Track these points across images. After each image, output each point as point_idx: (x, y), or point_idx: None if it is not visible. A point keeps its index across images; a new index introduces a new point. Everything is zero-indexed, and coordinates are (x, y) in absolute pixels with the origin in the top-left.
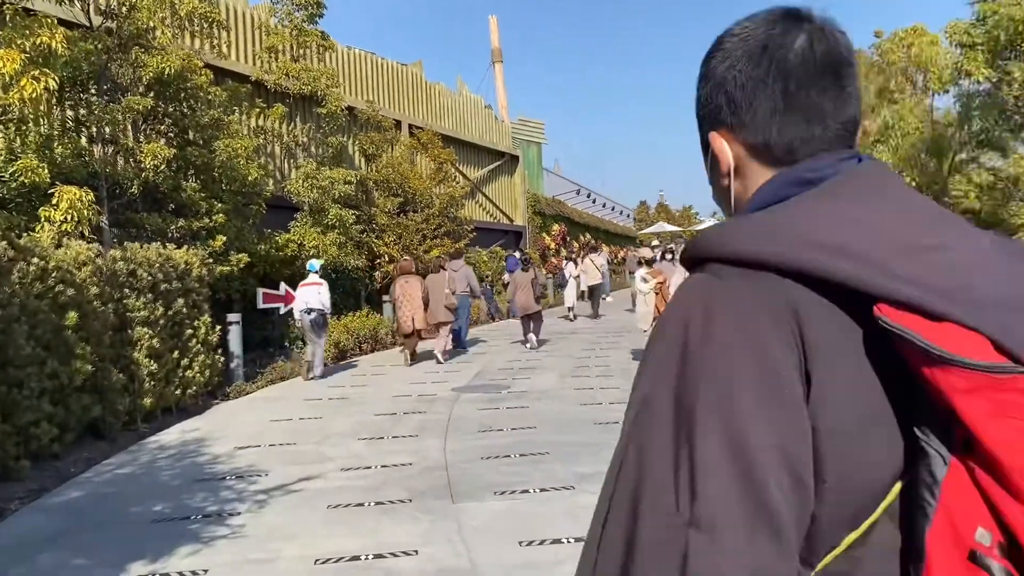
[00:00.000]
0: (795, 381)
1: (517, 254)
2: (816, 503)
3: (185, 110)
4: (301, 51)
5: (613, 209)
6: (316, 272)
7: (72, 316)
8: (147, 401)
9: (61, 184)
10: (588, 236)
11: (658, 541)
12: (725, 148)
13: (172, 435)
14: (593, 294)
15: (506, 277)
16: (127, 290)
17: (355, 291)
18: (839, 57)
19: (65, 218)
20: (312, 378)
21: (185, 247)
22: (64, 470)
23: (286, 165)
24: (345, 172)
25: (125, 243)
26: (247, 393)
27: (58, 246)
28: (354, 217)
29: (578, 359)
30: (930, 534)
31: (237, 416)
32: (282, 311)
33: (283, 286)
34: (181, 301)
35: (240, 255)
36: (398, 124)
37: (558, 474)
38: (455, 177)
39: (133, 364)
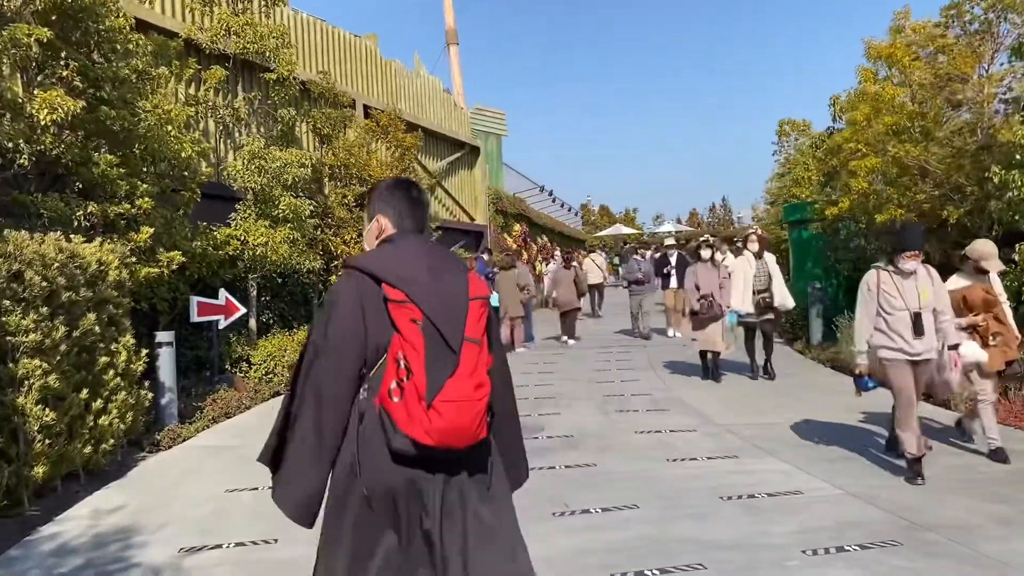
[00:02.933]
0: (360, 308)
1: (485, 256)
2: (367, 349)
3: (97, 58)
4: (243, 5)
5: (570, 210)
6: None
7: None
8: (39, 470)
9: None
10: (546, 238)
11: (313, 353)
12: (377, 224)
13: (79, 522)
14: (594, 293)
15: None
16: (7, 302)
17: (306, 298)
18: (416, 200)
19: None
20: None
21: (98, 240)
22: None
23: (222, 146)
24: (300, 153)
25: (6, 231)
26: (184, 439)
27: None
28: (310, 209)
29: (603, 383)
30: (388, 360)
31: (176, 481)
32: (222, 324)
33: (223, 294)
34: (92, 317)
35: (172, 253)
36: (352, 104)
37: None
38: (414, 168)
39: (16, 414)
